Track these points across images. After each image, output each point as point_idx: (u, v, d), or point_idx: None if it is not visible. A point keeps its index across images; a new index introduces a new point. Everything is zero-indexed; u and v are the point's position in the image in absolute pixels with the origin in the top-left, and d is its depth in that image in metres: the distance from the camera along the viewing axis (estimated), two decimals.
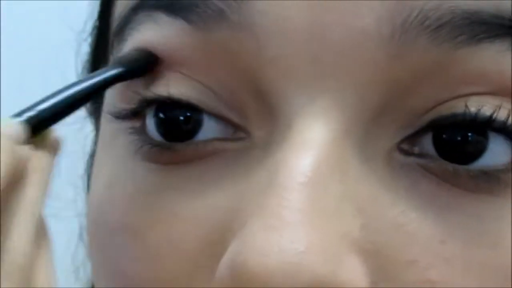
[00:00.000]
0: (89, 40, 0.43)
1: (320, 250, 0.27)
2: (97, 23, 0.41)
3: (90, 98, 0.32)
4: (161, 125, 0.32)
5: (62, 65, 0.47)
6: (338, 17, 0.28)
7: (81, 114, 0.45)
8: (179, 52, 0.31)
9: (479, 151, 0.29)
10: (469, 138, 0.29)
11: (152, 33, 0.31)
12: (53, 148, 0.31)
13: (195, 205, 0.31)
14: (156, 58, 0.32)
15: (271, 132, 0.30)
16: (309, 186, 0.28)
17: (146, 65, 0.32)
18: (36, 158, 0.30)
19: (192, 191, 0.31)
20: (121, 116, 0.33)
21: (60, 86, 0.31)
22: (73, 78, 0.44)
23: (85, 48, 0.44)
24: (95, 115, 0.41)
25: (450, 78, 0.29)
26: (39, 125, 0.30)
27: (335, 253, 0.27)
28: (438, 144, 0.29)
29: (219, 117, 0.31)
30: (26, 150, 0.30)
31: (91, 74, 0.32)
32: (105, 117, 0.35)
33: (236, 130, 0.31)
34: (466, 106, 0.28)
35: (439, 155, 0.29)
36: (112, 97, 0.34)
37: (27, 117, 0.30)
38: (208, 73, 0.31)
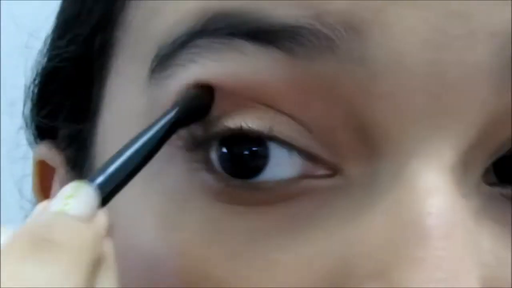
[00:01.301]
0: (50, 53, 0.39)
1: None
2: (74, 41, 0.36)
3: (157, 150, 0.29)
4: (228, 160, 0.29)
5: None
6: (455, 53, 0.28)
7: None
8: (269, 85, 0.28)
9: None
10: None
11: (233, 63, 0.29)
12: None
13: (297, 251, 0.29)
14: (214, 92, 0.29)
15: (372, 172, 0.29)
16: (450, 233, 0.27)
17: (208, 103, 0.29)
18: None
19: (289, 235, 0.29)
20: (183, 145, 0.30)
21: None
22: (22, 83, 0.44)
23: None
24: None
25: None
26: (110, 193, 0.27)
27: None
28: (497, 169, 0.30)
29: (303, 152, 0.29)
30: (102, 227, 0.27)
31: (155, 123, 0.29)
32: None
33: (317, 165, 0.29)
34: None
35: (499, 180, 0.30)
36: None
37: (98, 184, 0.27)
38: (301, 107, 0.29)
